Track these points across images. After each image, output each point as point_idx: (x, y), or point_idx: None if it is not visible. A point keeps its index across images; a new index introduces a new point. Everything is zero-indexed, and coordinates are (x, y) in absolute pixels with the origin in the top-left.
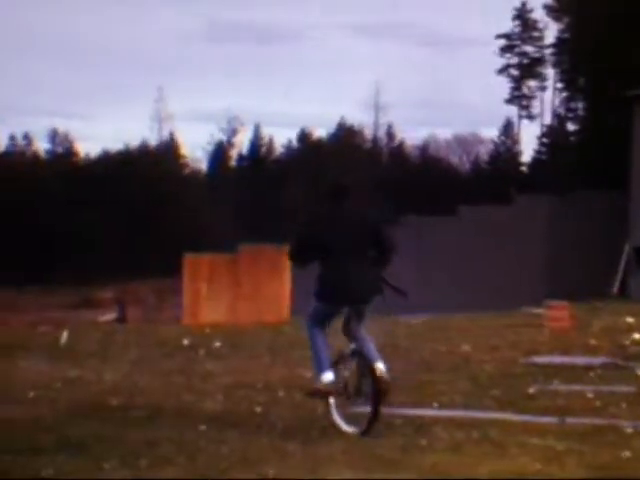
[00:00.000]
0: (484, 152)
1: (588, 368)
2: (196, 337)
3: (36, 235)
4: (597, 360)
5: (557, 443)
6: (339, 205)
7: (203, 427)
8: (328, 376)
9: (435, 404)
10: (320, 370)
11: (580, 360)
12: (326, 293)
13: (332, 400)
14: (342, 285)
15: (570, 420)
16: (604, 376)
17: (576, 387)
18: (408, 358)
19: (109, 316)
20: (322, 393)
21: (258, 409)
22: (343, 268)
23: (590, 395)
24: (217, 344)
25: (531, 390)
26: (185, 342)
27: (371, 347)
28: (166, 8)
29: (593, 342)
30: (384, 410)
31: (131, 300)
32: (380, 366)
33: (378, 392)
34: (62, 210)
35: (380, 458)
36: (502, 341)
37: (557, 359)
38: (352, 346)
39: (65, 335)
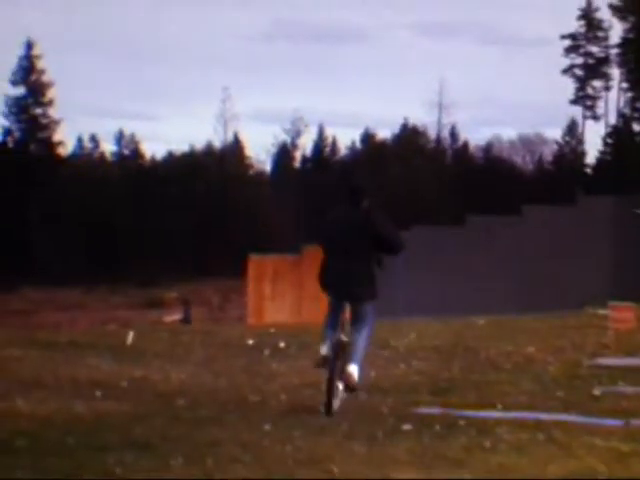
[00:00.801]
0: (548, 153)
1: None
2: (261, 337)
3: (104, 236)
4: None
5: (622, 445)
6: (352, 205)
7: (268, 427)
8: (323, 349)
9: (499, 405)
10: (321, 341)
11: None
12: (320, 282)
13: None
14: (333, 280)
15: (635, 422)
16: None
17: None
18: (474, 358)
19: (174, 316)
20: (319, 363)
21: (322, 409)
22: (336, 266)
23: None
24: (281, 344)
25: (596, 392)
26: (250, 342)
27: (356, 345)
28: (232, 7)
29: None
30: (448, 412)
31: (196, 301)
32: (351, 370)
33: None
34: (129, 211)
35: (444, 458)
36: (567, 342)
37: (622, 361)
38: (341, 337)
39: (131, 335)
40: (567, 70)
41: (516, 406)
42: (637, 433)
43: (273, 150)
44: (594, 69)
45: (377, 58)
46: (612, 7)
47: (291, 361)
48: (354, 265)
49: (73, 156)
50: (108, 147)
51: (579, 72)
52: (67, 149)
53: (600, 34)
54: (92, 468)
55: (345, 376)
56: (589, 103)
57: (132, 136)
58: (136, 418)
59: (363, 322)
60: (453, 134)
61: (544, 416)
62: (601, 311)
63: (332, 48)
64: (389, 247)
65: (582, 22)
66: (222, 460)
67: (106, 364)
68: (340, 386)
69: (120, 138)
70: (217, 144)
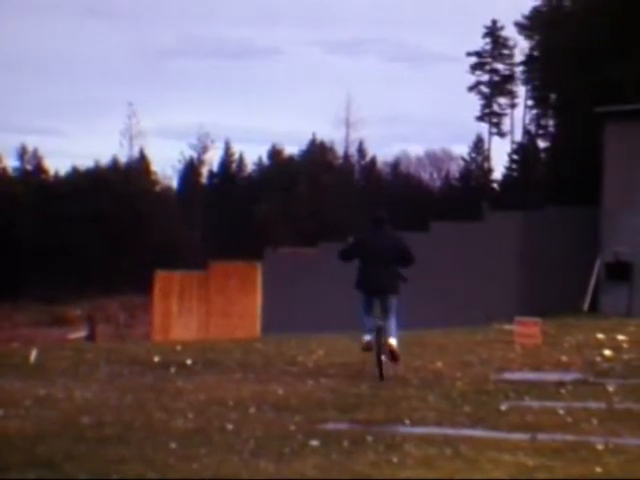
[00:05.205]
0: (455, 169)
1: (559, 384)
2: (167, 354)
3: (6, 252)
4: (568, 376)
5: (528, 459)
6: (376, 230)
7: (174, 445)
8: (366, 337)
9: (407, 421)
10: (362, 332)
11: (551, 376)
12: (359, 283)
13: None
14: (368, 280)
15: (541, 436)
16: (575, 392)
17: (547, 403)
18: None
19: (79, 334)
20: (365, 347)
21: (230, 426)
22: (370, 271)
23: (561, 411)
24: (188, 361)
25: (502, 407)
26: (156, 359)
27: (390, 326)
28: (138, 23)
29: (564, 358)
30: (356, 428)
31: (102, 317)
32: (392, 341)
33: (389, 356)
34: (33, 227)
35: (352, 473)
36: (474, 357)
37: (528, 375)
38: (379, 322)
39: (34, 353)
40: (473, 87)
41: (424, 422)
42: (542, 447)
43: (179, 166)
44: (500, 86)
45: (285, 74)
46: (517, 25)
47: (198, 378)
48: (383, 270)
49: None
50: (10, 163)
51: (485, 89)
52: None
53: (505, 52)
54: None
55: (389, 347)
56: (495, 120)
57: (35, 151)
58: (39, 437)
59: (391, 311)
60: (361, 150)
61: (451, 431)
62: (507, 326)
63: (240, 64)
64: (408, 260)
65: (488, 40)
66: (127, 478)
67: (8, 383)
68: (384, 358)
69: (22, 154)
70: (123, 160)
